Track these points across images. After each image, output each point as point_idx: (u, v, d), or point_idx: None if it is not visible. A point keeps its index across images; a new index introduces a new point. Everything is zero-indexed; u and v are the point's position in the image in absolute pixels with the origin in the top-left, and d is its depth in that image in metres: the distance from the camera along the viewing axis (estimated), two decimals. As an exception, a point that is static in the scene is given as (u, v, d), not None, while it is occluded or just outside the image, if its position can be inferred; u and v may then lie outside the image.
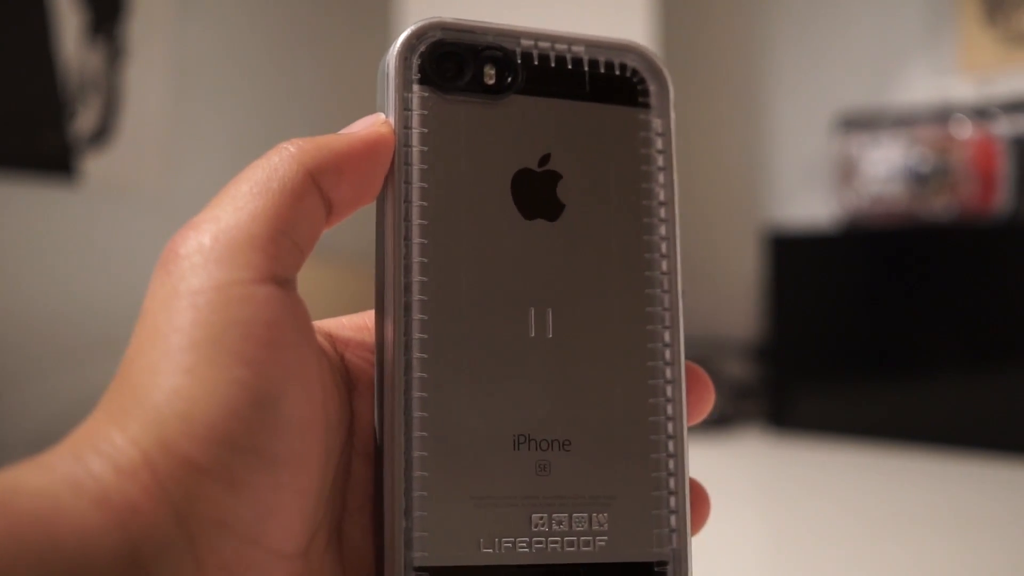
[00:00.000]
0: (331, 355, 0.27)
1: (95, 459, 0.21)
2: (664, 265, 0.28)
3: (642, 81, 0.29)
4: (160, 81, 1.53)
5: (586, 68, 0.29)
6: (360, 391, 0.27)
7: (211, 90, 1.63)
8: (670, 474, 0.28)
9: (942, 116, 1.43)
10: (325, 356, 0.26)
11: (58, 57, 1.39)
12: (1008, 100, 1.42)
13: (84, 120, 1.43)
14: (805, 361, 1.50)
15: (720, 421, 1.53)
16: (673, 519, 0.27)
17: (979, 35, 1.56)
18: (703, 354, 1.70)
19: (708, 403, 0.29)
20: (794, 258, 1.51)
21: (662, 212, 0.29)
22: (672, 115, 0.29)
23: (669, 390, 0.28)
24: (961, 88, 1.57)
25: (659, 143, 0.29)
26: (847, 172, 1.51)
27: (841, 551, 0.94)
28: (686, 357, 0.29)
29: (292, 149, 0.25)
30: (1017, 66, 1.53)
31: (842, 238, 1.50)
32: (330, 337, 0.28)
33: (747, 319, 1.74)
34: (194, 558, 0.21)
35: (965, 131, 1.40)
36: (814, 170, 1.72)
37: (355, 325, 0.28)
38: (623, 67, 0.29)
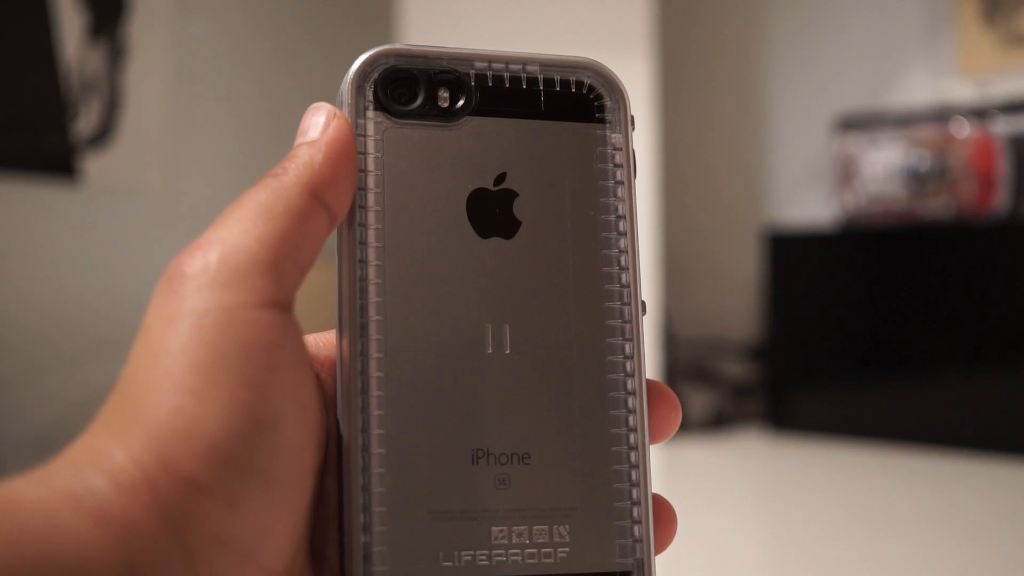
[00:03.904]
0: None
1: (95, 475, 0.21)
2: (623, 278, 0.29)
3: (598, 97, 0.29)
4: (160, 81, 1.53)
5: (541, 87, 0.29)
6: (333, 409, 0.27)
7: (211, 90, 1.64)
8: (632, 485, 0.28)
9: (941, 117, 1.43)
10: (316, 379, 0.27)
11: (60, 58, 1.39)
12: (1006, 101, 1.42)
13: (85, 121, 1.43)
14: (804, 361, 1.50)
15: (720, 421, 1.53)
16: (636, 529, 0.27)
17: (978, 37, 1.57)
18: (703, 354, 1.70)
19: (674, 422, 0.29)
20: (794, 258, 1.51)
21: (621, 226, 0.29)
22: (630, 129, 0.30)
23: (630, 402, 0.28)
24: (960, 89, 1.57)
25: (617, 157, 0.29)
26: (846, 172, 1.51)
27: (840, 550, 0.94)
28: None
29: (292, 172, 0.26)
30: (1015, 67, 1.53)
31: (841, 238, 1.50)
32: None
33: (747, 319, 1.74)
34: (191, 574, 0.21)
35: (964, 132, 1.40)
36: (813, 170, 1.73)
37: (328, 343, 0.29)
38: (579, 84, 0.29)
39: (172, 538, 0.21)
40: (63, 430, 1.34)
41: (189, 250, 0.24)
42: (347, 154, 0.26)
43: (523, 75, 0.29)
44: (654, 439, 0.29)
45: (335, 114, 0.27)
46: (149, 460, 0.22)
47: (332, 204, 0.26)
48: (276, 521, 0.23)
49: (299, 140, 0.27)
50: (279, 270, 0.24)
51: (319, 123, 0.27)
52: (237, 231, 0.24)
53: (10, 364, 1.33)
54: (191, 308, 0.23)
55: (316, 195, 0.26)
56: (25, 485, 0.21)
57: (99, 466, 0.21)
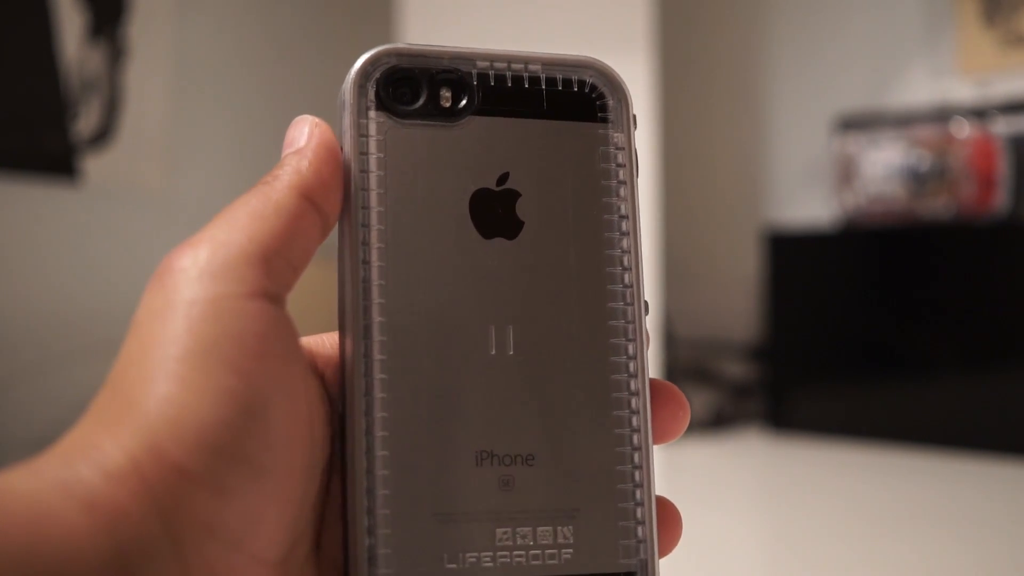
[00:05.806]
0: (315, 373, 0.27)
1: (84, 464, 0.21)
2: (626, 278, 0.28)
3: (600, 96, 0.29)
4: (160, 81, 1.53)
5: (543, 86, 0.29)
6: (337, 411, 0.27)
7: (211, 90, 1.64)
8: (636, 486, 0.27)
9: (941, 117, 1.43)
10: (311, 373, 0.27)
11: (60, 58, 1.39)
12: (1006, 101, 1.42)
13: (85, 121, 1.43)
14: (804, 361, 1.50)
15: (719, 421, 1.53)
16: (640, 530, 0.27)
17: (977, 36, 1.57)
18: (703, 354, 1.70)
19: (683, 421, 0.29)
20: (793, 258, 1.51)
21: (623, 225, 0.29)
22: (632, 129, 0.29)
23: (633, 402, 0.28)
24: (959, 89, 1.57)
25: (619, 157, 0.29)
26: (846, 172, 1.51)
27: (839, 550, 0.94)
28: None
29: (281, 178, 0.26)
30: (1015, 67, 1.53)
31: (841, 238, 1.50)
32: (311, 355, 0.28)
33: (747, 319, 1.74)
34: (180, 562, 0.22)
35: (963, 132, 1.40)
36: (813, 170, 1.73)
37: (334, 344, 0.28)
38: (581, 83, 0.29)
39: (161, 526, 0.21)
40: (63, 430, 1.33)
41: (180, 247, 0.25)
42: (332, 158, 0.27)
43: (525, 74, 0.29)
44: (662, 438, 0.29)
45: (317, 123, 0.28)
46: (138, 449, 0.22)
47: (323, 205, 0.26)
48: (266, 510, 0.23)
49: (286, 151, 0.28)
50: (269, 265, 0.25)
51: (304, 132, 0.28)
52: (228, 229, 0.25)
53: (10, 364, 1.33)
54: (180, 299, 0.24)
55: (306, 197, 0.26)
56: (16, 476, 0.21)
57: (89, 456, 0.22)
